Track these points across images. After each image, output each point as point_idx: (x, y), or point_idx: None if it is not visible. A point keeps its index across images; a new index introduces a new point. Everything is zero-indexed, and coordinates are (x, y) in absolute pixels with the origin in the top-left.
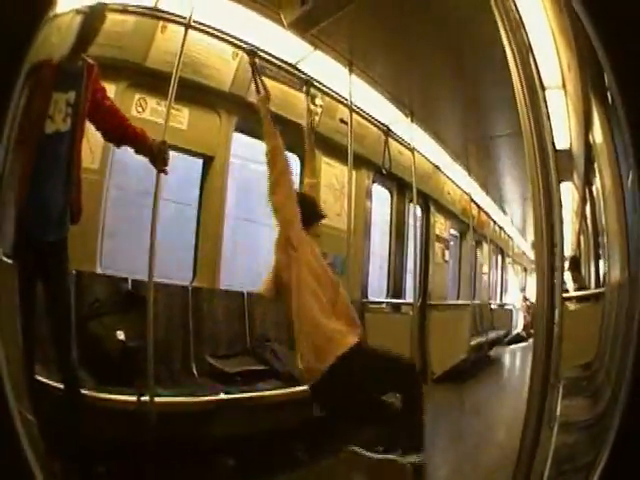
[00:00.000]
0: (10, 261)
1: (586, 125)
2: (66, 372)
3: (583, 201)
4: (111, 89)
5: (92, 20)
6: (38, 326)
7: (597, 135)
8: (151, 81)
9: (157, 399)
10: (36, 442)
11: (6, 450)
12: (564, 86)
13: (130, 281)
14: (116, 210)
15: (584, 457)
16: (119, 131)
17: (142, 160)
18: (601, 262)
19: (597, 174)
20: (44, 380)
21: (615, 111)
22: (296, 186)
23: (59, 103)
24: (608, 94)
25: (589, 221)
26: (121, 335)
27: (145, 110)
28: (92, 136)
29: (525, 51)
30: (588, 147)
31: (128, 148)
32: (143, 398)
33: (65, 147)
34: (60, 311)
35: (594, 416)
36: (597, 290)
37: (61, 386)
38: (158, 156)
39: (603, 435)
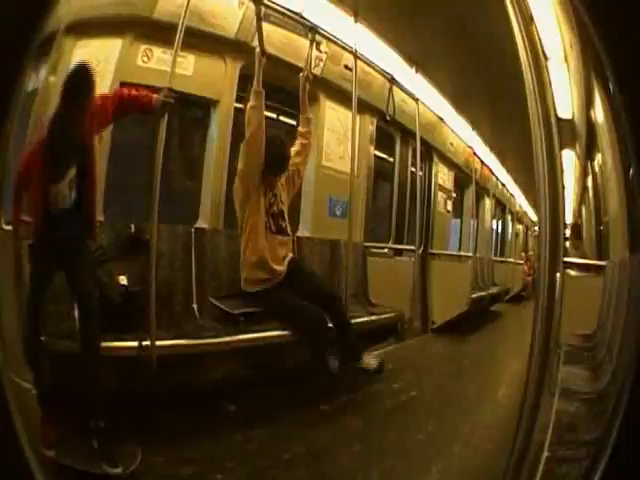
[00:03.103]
0: (7, 227)
1: (588, 102)
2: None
3: (585, 172)
4: (117, 43)
5: None
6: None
7: (599, 115)
8: (157, 32)
9: (158, 343)
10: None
11: None
12: (566, 61)
13: (133, 226)
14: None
15: (586, 432)
16: (126, 110)
17: None
18: (602, 237)
19: (599, 152)
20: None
21: (615, 101)
22: None
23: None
24: (609, 84)
25: (591, 193)
26: (123, 280)
27: (151, 59)
28: (98, 89)
29: (528, 18)
30: (590, 123)
31: None
32: (144, 343)
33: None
34: (86, 301)
35: (594, 391)
36: (600, 262)
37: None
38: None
39: (604, 416)
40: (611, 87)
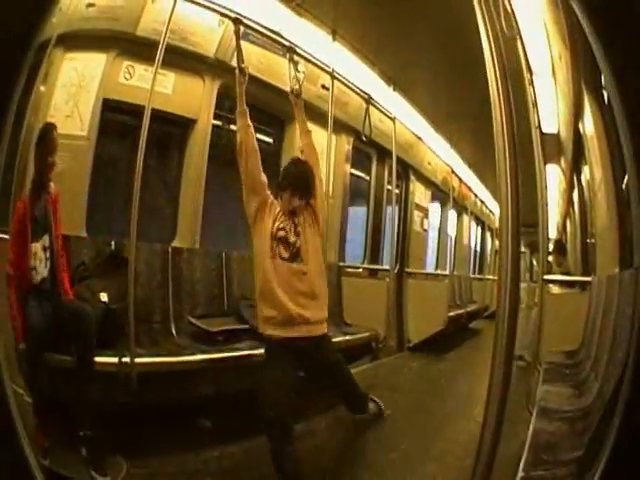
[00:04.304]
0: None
1: (576, 114)
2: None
3: (571, 186)
4: (101, 58)
5: None
6: None
7: (588, 127)
8: (140, 49)
9: (137, 360)
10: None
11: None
12: (554, 74)
13: (113, 243)
14: (101, 175)
15: (566, 452)
16: None
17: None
18: (589, 252)
19: (587, 164)
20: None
21: (610, 110)
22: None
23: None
24: (604, 92)
25: (577, 207)
26: (104, 297)
27: (133, 76)
28: (82, 104)
29: (510, 36)
30: (577, 135)
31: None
32: (124, 359)
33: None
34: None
35: (577, 409)
36: (583, 278)
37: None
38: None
39: (588, 433)
40: (605, 97)
